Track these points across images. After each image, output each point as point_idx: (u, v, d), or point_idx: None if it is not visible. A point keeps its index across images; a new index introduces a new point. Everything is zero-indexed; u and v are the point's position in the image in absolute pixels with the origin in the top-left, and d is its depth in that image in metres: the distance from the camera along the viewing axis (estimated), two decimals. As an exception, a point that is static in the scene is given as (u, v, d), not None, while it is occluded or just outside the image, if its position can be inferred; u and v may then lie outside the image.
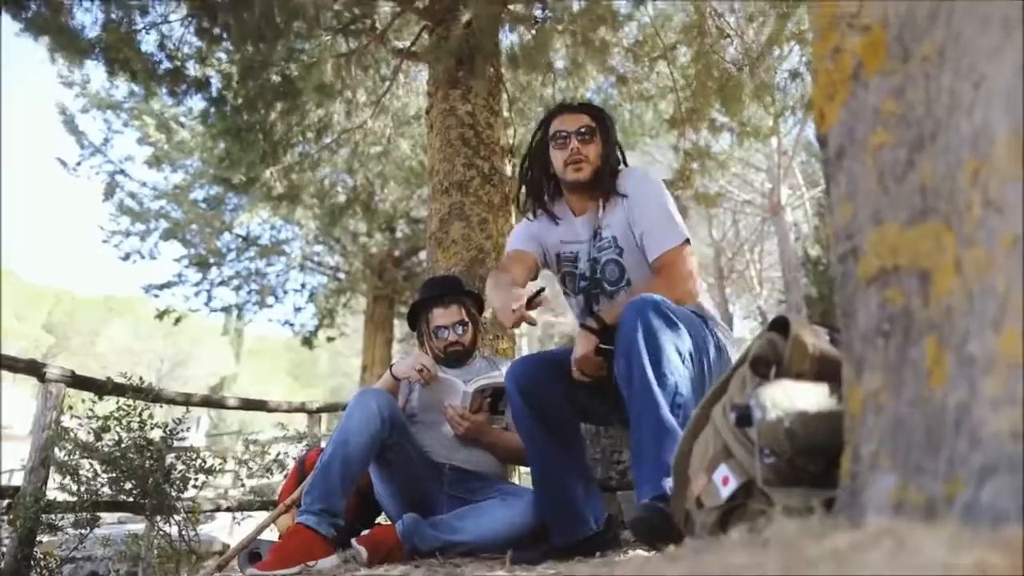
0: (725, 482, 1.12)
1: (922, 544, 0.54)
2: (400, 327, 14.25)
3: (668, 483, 1.43)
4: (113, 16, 5.64)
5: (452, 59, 5.31)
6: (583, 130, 2.15)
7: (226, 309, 12.72)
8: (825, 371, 1.13)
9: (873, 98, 0.91)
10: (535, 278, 2.26)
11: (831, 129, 1.00)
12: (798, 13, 6.14)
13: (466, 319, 2.60)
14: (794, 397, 1.03)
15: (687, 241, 2.04)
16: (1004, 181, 0.70)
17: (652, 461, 1.59)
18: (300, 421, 6.07)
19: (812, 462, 0.99)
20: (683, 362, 1.71)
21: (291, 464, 4.14)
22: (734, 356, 1.97)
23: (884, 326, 0.81)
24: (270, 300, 12.87)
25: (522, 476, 4.53)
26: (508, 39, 7.07)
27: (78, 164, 11.33)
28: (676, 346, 1.70)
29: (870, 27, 0.94)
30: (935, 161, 0.79)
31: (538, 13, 6.42)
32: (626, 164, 2.24)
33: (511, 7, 6.14)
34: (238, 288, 12.59)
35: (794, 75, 7.18)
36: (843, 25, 0.99)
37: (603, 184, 2.16)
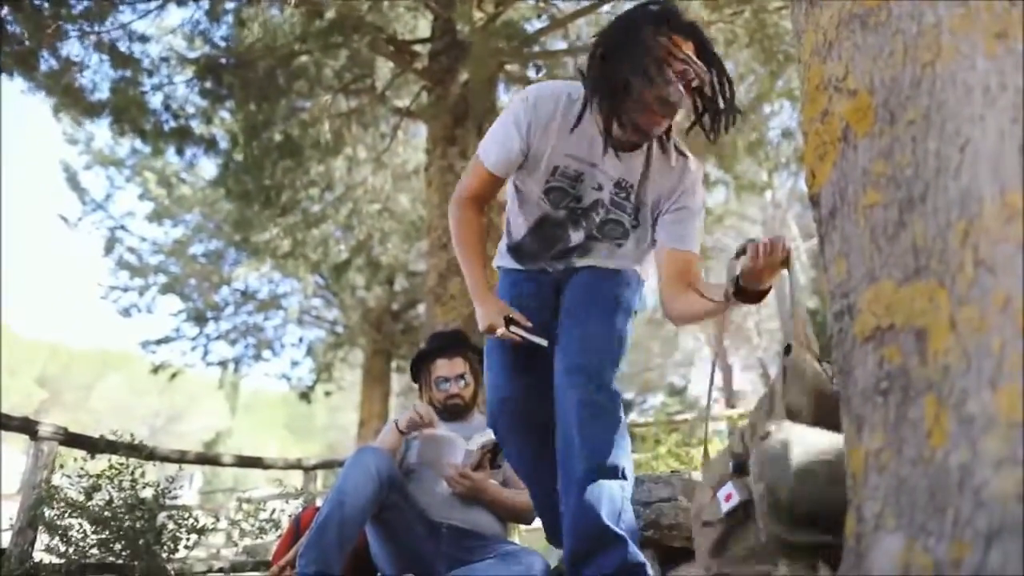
0: (728, 499, 1.11)
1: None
2: (398, 380, 14.15)
3: None
4: (120, 77, 5.79)
5: (450, 117, 5.44)
6: (691, 73, 1.48)
7: (223, 363, 12.68)
8: (823, 407, 1.14)
9: (863, 159, 0.93)
10: None
11: (822, 188, 1.02)
12: (787, 72, 6.31)
13: (468, 373, 2.59)
14: (790, 461, 1.01)
15: None
16: (994, 242, 0.72)
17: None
18: (296, 477, 5.97)
19: (812, 532, 0.98)
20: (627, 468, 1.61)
21: (286, 523, 4.06)
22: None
23: (882, 384, 0.82)
24: (267, 354, 12.84)
25: (522, 535, 4.43)
26: (504, 98, 7.24)
27: (79, 220, 11.46)
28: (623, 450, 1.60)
29: (857, 91, 0.96)
30: (926, 221, 0.80)
31: (532, 73, 6.60)
32: (717, 131, 1.62)
33: (507, 67, 6.32)
34: (235, 342, 12.58)
35: (786, 133, 7.34)
36: (831, 89, 1.02)
37: (663, 144, 1.69)
